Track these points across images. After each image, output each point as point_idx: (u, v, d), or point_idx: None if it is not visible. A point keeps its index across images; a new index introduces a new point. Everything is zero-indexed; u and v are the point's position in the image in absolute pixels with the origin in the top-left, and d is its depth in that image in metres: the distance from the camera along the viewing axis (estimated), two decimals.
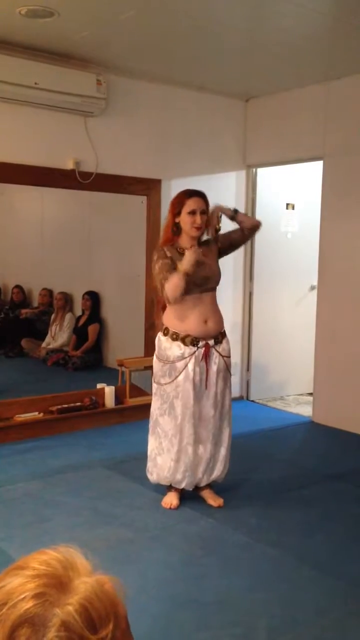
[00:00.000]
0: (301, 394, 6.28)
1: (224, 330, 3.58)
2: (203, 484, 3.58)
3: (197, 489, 3.61)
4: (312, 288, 5.99)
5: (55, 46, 4.47)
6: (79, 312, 6.52)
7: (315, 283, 5.67)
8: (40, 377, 6.21)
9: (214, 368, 3.45)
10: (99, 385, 5.30)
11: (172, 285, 3.31)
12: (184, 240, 3.48)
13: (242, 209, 5.97)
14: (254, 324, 6.10)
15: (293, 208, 6.14)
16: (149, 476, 3.64)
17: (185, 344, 3.41)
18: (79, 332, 6.35)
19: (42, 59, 4.52)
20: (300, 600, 2.68)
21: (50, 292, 6.93)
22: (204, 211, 3.46)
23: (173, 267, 3.35)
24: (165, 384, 3.46)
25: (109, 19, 3.95)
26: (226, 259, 5.84)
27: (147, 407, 5.36)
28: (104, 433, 4.94)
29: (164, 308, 3.54)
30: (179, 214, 3.45)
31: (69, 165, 4.88)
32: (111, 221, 6.04)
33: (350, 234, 5.12)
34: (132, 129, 5.21)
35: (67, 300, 6.68)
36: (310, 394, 5.78)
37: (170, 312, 3.48)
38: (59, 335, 6.61)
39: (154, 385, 3.56)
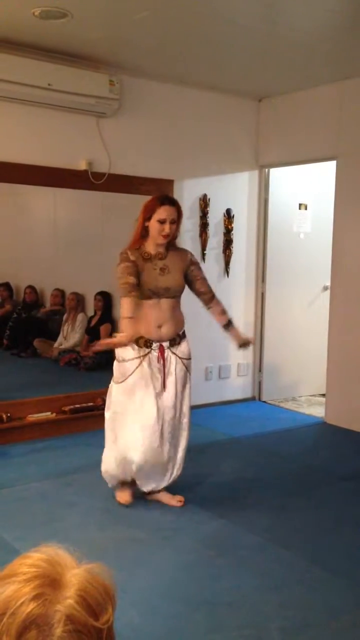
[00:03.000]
0: (313, 395, 6.25)
1: (183, 332, 3.56)
2: (162, 486, 3.60)
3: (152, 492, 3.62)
4: (325, 288, 5.97)
5: (69, 47, 4.48)
6: (91, 313, 6.53)
7: (328, 283, 5.65)
8: (52, 377, 6.22)
9: (170, 369, 3.47)
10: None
11: (121, 306, 3.38)
12: (150, 245, 3.49)
13: (254, 209, 5.98)
14: (266, 324, 6.09)
15: (306, 208, 6.12)
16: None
17: (138, 345, 3.41)
18: (91, 333, 6.35)
19: (55, 60, 4.53)
20: (313, 602, 2.67)
21: (62, 293, 6.94)
22: (174, 221, 3.45)
23: (135, 270, 3.38)
24: (118, 383, 3.49)
25: (122, 20, 3.96)
26: (238, 259, 5.88)
27: None
28: None
29: None
30: (149, 219, 3.45)
31: (82, 166, 4.90)
32: (123, 222, 6.02)
33: None
34: (144, 130, 5.22)
35: (79, 301, 6.69)
36: (323, 394, 5.76)
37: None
38: (71, 336, 6.62)
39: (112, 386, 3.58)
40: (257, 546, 3.16)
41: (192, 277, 3.57)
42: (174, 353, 3.49)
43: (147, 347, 3.43)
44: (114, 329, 6.27)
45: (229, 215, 5.76)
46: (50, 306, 7.06)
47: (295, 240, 6.11)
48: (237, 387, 6.06)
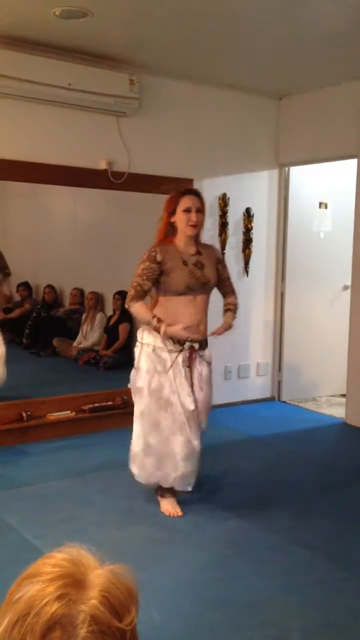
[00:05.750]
0: (333, 395, 6.21)
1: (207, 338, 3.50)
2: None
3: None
4: (346, 288, 5.92)
5: (89, 47, 4.49)
6: (109, 312, 6.54)
7: (348, 283, 5.61)
8: (71, 376, 6.24)
9: (199, 372, 3.40)
10: (130, 385, 5.30)
11: (135, 312, 3.36)
12: (180, 241, 3.40)
13: (274, 208, 5.95)
14: (285, 324, 6.06)
15: (326, 207, 6.08)
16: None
17: (173, 342, 3.33)
18: (110, 332, 6.37)
19: (75, 60, 4.54)
20: (333, 603, 2.65)
21: (81, 292, 6.96)
22: (199, 209, 3.38)
23: (157, 274, 3.31)
24: (155, 373, 3.36)
25: (142, 19, 3.96)
26: (257, 258, 5.85)
27: None
28: None
29: (155, 305, 3.45)
30: (173, 212, 3.38)
31: (102, 165, 4.90)
32: (143, 221, 6.03)
33: None
34: (164, 129, 5.21)
35: (98, 300, 6.70)
36: (343, 395, 5.72)
37: (161, 311, 3.38)
38: (90, 335, 6.63)
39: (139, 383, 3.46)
40: (277, 546, 3.14)
41: (218, 275, 3.52)
42: (201, 356, 3.41)
43: (180, 345, 3.33)
44: (132, 328, 6.28)
45: (248, 215, 5.74)
46: (69, 305, 7.09)
47: (315, 239, 6.07)
48: (256, 386, 6.03)
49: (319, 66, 4.89)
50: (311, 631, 2.45)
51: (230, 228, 5.67)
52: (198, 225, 3.39)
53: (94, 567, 0.83)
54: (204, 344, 3.44)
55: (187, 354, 3.36)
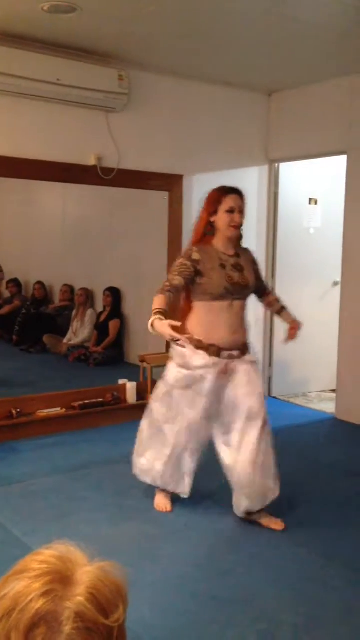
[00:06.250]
0: (324, 391, 6.23)
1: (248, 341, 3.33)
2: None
3: None
4: (335, 284, 5.94)
5: (77, 42, 4.46)
6: (100, 308, 6.53)
7: (338, 279, 5.62)
8: (61, 373, 6.23)
9: (242, 377, 3.21)
10: (120, 381, 5.30)
11: (154, 304, 3.03)
12: (219, 242, 3.22)
13: (264, 205, 5.95)
14: (276, 320, 6.05)
15: (316, 203, 6.09)
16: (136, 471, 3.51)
17: (209, 353, 3.13)
18: (100, 328, 6.36)
19: (64, 55, 4.52)
20: (327, 599, 2.66)
21: (71, 288, 6.94)
22: (242, 210, 3.21)
23: (190, 272, 3.10)
24: (178, 390, 3.24)
25: (131, 14, 3.94)
26: None
27: None
28: (126, 429, 4.92)
29: (185, 313, 3.25)
30: (215, 212, 3.18)
31: (91, 161, 4.88)
32: (132, 217, 6.03)
33: None
34: (154, 125, 5.20)
35: (88, 296, 6.69)
36: (333, 390, 5.74)
37: (196, 318, 3.20)
38: (80, 331, 6.62)
39: (162, 388, 3.36)
40: (270, 542, 3.14)
41: (255, 274, 3.36)
42: (245, 359, 3.22)
43: (216, 356, 3.13)
44: (123, 325, 6.27)
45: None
46: (59, 302, 7.07)
47: (305, 235, 6.08)
48: None
49: (309, 62, 4.89)
50: (304, 627, 2.46)
51: None
52: (240, 227, 3.22)
53: (82, 564, 0.83)
54: (245, 350, 3.25)
55: (224, 365, 3.16)
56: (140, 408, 5.20)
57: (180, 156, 5.35)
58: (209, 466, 4.09)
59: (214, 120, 5.53)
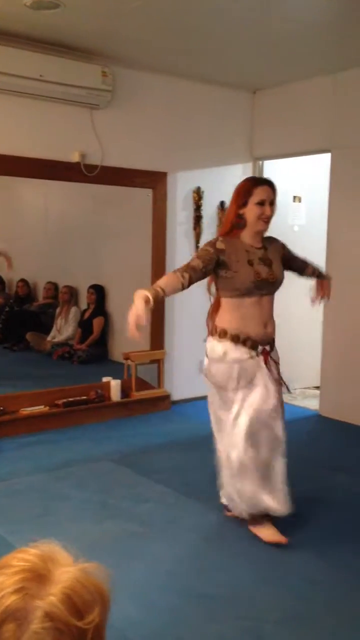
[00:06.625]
0: (308, 388, 6.25)
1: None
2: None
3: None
4: None
5: (61, 38, 4.43)
6: (84, 306, 6.51)
7: None
8: (45, 370, 6.20)
9: (272, 370, 3.16)
10: (104, 379, 5.29)
11: (162, 278, 3.01)
12: (247, 235, 3.09)
13: None
14: None
15: (300, 201, 6.11)
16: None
17: (246, 347, 3.05)
18: (84, 326, 6.34)
19: (47, 51, 4.49)
20: (311, 595, 2.67)
21: (55, 286, 6.91)
22: (273, 202, 3.08)
23: (212, 259, 2.97)
24: (236, 389, 3.11)
25: (114, 10, 3.92)
26: None
27: (152, 400, 5.39)
28: (110, 427, 4.93)
29: (216, 309, 3.15)
30: (244, 204, 3.04)
31: (74, 158, 4.86)
32: (116, 214, 6.01)
33: (358, 227, 5.09)
34: (138, 122, 5.18)
35: (72, 294, 6.66)
36: (317, 387, 5.76)
37: (227, 314, 3.09)
38: (64, 329, 6.59)
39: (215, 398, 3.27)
40: (253, 538, 3.15)
41: (288, 258, 3.30)
42: (272, 359, 3.17)
43: (253, 349, 3.06)
44: (107, 322, 6.25)
45: (222, 208, 5.74)
46: (43, 299, 7.04)
47: (289, 232, 6.07)
48: None
49: (293, 60, 4.90)
50: (288, 622, 2.47)
51: (205, 221, 5.66)
52: (270, 219, 3.10)
53: (63, 564, 0.83)
54: (273, 345, 3.20)
55: (262, 358, 3.10)
56: (124, 405, 5.22)
57: (164, 153, 5.34)
58: (189, 462, 4.10)
59: (198, 118, 5.53)
